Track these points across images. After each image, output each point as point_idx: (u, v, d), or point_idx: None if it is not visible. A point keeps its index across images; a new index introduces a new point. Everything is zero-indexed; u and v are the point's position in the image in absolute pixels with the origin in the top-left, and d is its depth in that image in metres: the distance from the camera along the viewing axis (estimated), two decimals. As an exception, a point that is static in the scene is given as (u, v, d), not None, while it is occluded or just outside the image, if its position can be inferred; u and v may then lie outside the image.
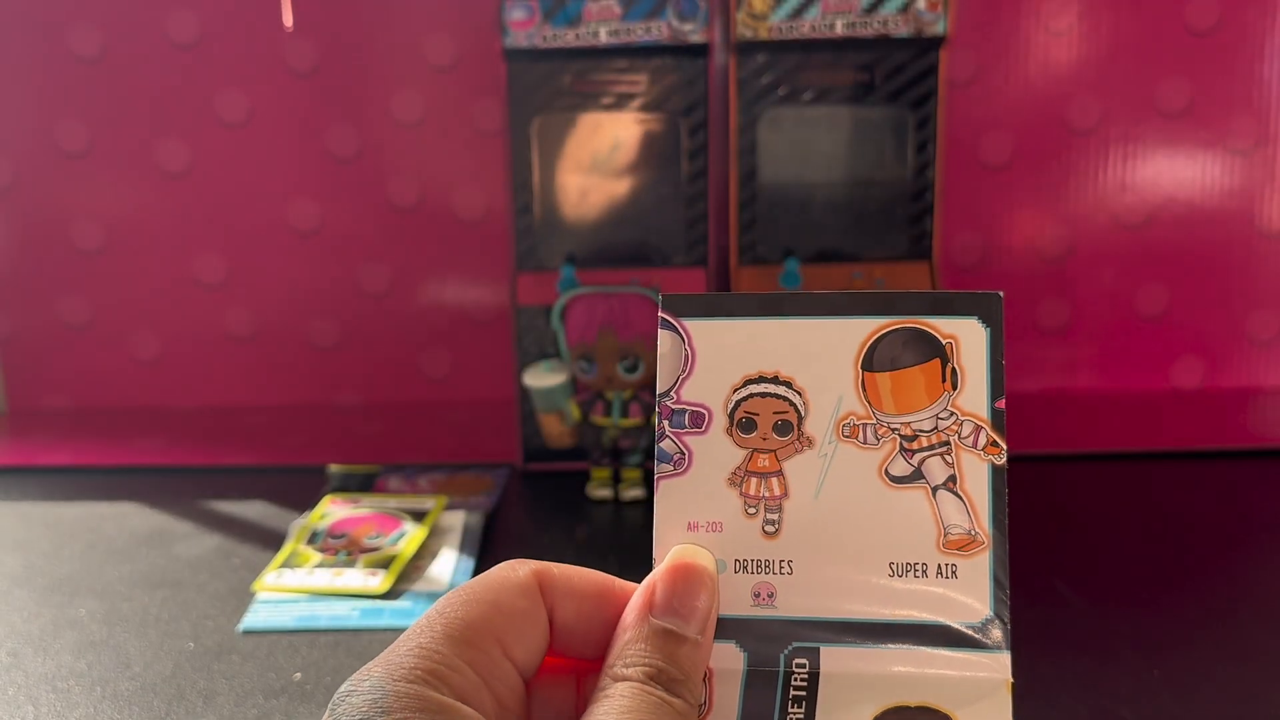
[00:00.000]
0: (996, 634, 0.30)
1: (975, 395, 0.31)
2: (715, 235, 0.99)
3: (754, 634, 0.31)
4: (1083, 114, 1.11)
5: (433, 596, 0.72)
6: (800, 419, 0.31)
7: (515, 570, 0.33)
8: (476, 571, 0.76)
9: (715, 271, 0.99)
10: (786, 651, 0.30)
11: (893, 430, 0.31)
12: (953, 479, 0.31)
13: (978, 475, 0.31)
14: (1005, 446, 0.31)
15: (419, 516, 0.83)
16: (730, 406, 0.31)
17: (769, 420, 0.31)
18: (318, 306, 1.20)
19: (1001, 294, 0.32)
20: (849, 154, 1.01)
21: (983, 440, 0.31)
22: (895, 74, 0.95)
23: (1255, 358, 1.16)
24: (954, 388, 0.31)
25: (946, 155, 0.99)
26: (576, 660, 0.33)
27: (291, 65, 1.14)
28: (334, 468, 0.93)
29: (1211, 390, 1.17)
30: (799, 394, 0.31)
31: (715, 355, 0.31)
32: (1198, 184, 1.12)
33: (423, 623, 0.30)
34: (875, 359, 0.31)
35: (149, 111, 1.15)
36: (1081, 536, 0.80)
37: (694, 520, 0.32)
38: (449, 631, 0.30)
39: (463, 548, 0.79)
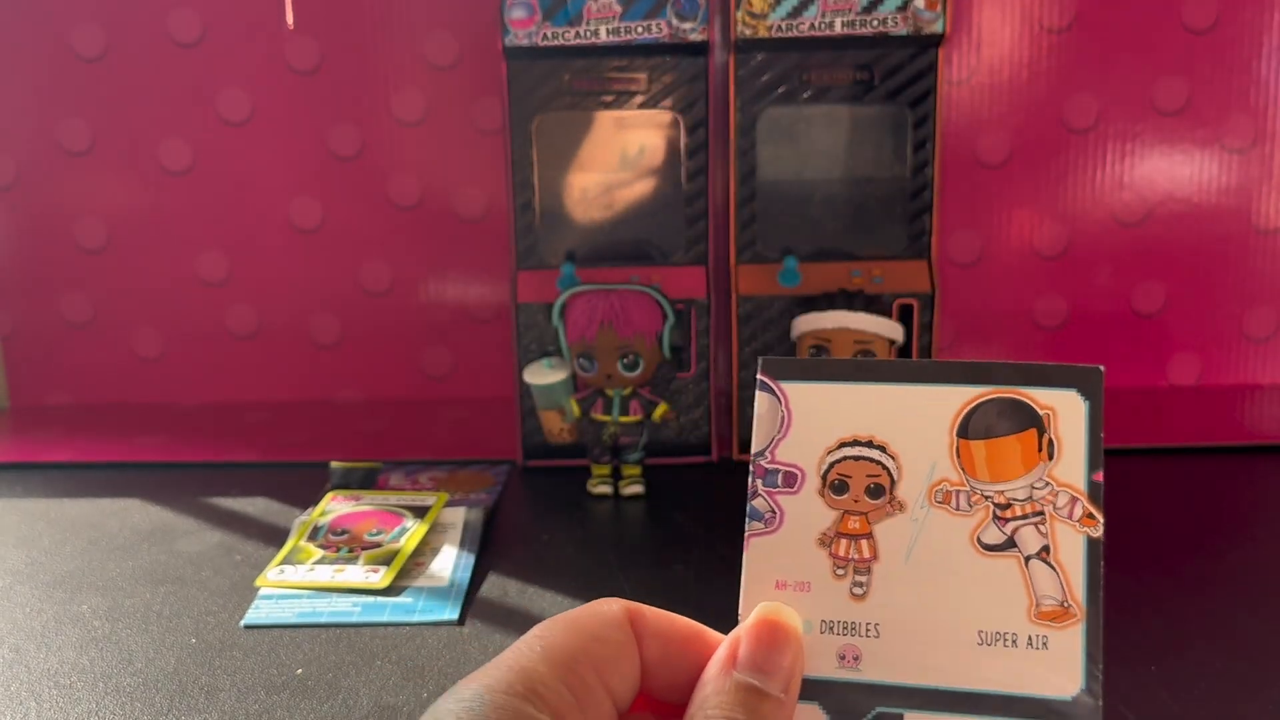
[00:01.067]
0: (1087, 711, 0.29)
1: (1072, 466, 0.31)
2: (714, 233, 0.99)
3: (838, 697, 0.31)
4: (1080, 112, 1.12)
5: (434, 592, 0.72)
6: (893, 483, 0.31)
7: (610, 605, 0.32)
8: (476, 568, 0.76)
9: (715, 269, 0.99)
10: (870, 716, 0.30)
11: (986, 498, 0.31)
12: (1046, 549, 0.30)
13: (1072, 546, 0.30)
14: (1102, 519, 0.30)
15: (420, 513, 0.84)
16: (824, 468, 0.31)
17: (862, 483, 0.31)
18: (319, 304, 1.20)
19: (1102, 369, 0.31)
20: (848, 152, 1.01)
21: (1079, 512, 0.30)
22: (894, 72, 0.96)
23: (1252, 355, 1.17)
24: (1050, 458, 0.30)
25: (945, 153, 0.99)
26: (661, 703, 0.33)
27: (293, 64, 1.14)
28: (336, 464, 0.93)
29: (1208, 387, 1.17)
30: (892, 458, 0.31)
31: (811, 417, 0.31)
32: (1195, 182, 1.13)
33: (523, 644, 0.30)
34: (970, 427, 0.31)
35: (151, 110, 1.16)
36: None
37: (782, 579, 0.32)
38: (548, 654, 0.30)
39: (463, 544, 0.80)
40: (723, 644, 0.31)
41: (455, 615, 0.69)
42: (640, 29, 0.93)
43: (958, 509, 0.31)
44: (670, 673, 0.32)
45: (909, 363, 0.31)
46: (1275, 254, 1.14)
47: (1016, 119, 1.12)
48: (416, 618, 0.69)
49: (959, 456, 0.31)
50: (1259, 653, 0.63)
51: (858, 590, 0.31)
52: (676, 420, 0.98)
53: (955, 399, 0.31)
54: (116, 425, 1.14)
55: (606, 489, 0.91)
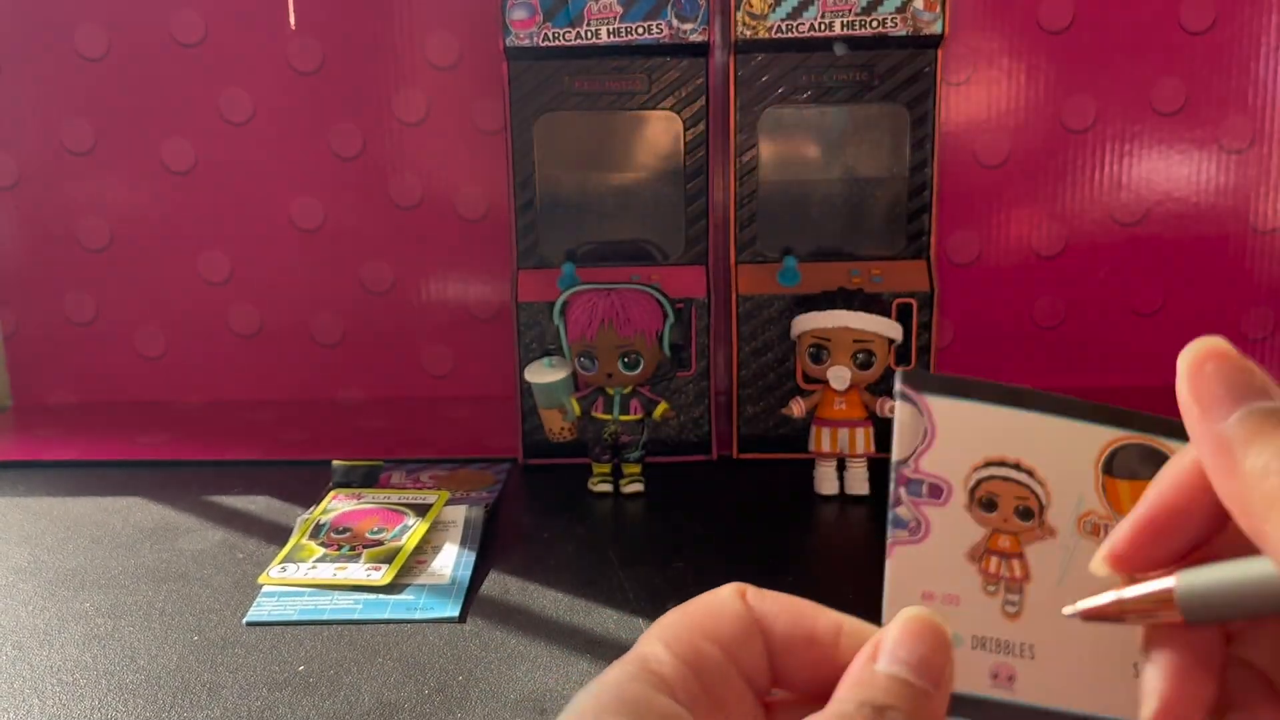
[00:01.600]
0: None
1: None
2: (714, 232, 1.00)
3: (990, 715, 0.30)
4: (1079, 113, 1.12)
5: (435, 590, 0.73)
6: (1042, 507, 0.30)
7: (721, 590, 0.32)
8: (477, 566, 0.77)
9: (715, 269, 1.00)
10: None
11: None
12: None
13: None
14: None
15: (421, 511, 0.84)
16: (971, 484, 0.31)
17: (1010, 503, 0.30)
18: (321, 303, 1.20)
19: None
20: (847, 152, 1.02)
21: None
22: (893, 73, 0.96)
23: (1250, 354, 1.17)
24: None
25: (943, 153, 0.99)
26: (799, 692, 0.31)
27: (295, 64, 1.15)
28: (337, 463, 0.94)
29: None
30: (1041, 484, 0.30)
31: (956, 433, 0.31)
32: (1193, 182, 1.13)
33: (650, 636, 0.30)
34: (1115, 466, 0.30)
35: (154, 110, 1.16)
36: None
37: (929, 590, 0.31)
38: (669, 643, 0.29)
39: (464, 542, 0.80)
40: (868, 642, 0.30)
41: (456, 612, 0.70)
42: (641, 30, 0.93)
43: None
44: (797, 658, 0.30)
45: (1055, 395, 0.31)
46: (1273, 254, 1.14)
47: (1015, 119, 1.13)
48: (418, 615, 0.69)
49: (1105, 492, 0.31)
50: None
51: (1010, 608, 0.30)
52: (677, 419, 0.98)
53: (1099, 437, 0.31)
54: (119, 424, 1.15)
55: (607, 487, 0.91)
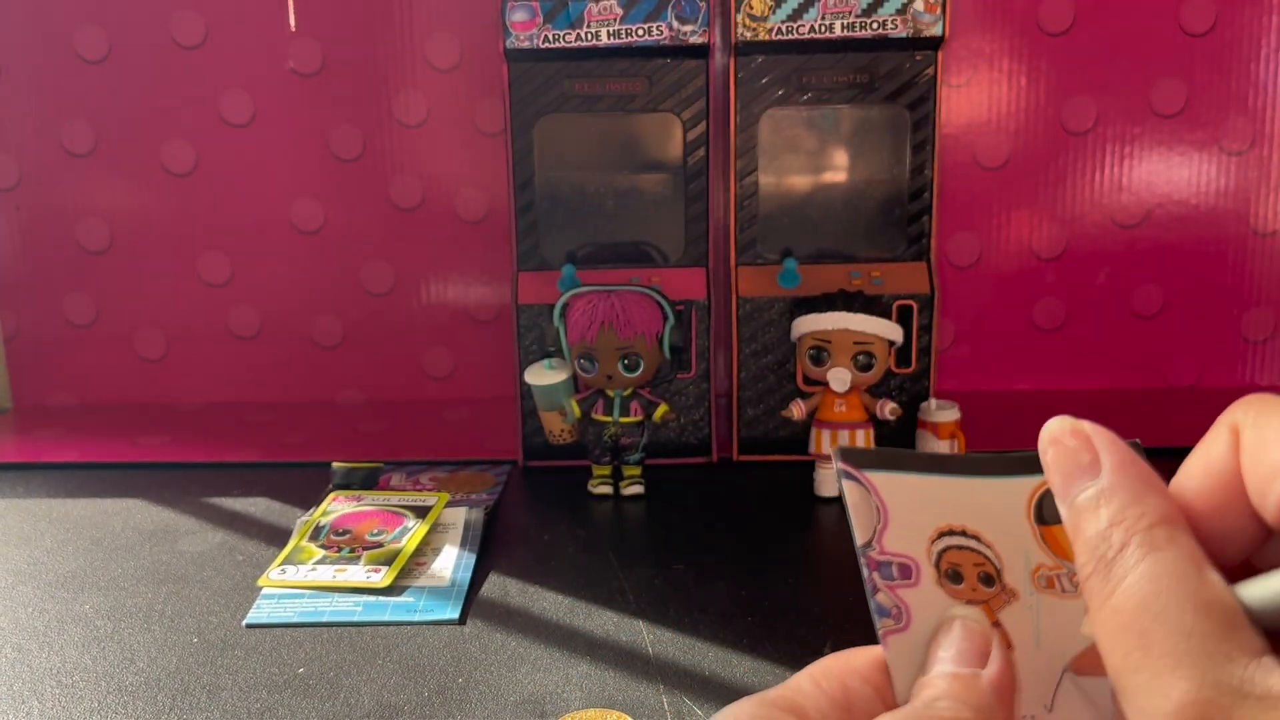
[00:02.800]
0: None
1: None
2: (714, 234, 1.00)
3: None
4: (1079, 115, 1.12)
5: (435, 592, 0.73)
6: (998, 571, 0.30)
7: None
8: (477, 568, 0.77)
9: (715, 270, 1.00)
10: None
11: None
12: None
13: None
14: None
15: (421, 513, 0.84)
16: (934, 557, 0.30)
17: (972, 572, 0.30)
18: (321, 305, 1.21)
19: (1138, 441, 0.31)
20: (847, 154, 1.02)
21: None
22: (893, 75, 0.96)
23: (1250, 356, 1.17)
24: None
25: (944, 155, 0.99)
26: None
27: (296, 66, 1.15)
28: (337, 465, 0.94)
29: (1206, 388, 1.17)
30: (989, 547, 0.30)
31: (905, 507, 0.30)
32: (1193, 184, 1.13)
33: (803, 671, 0.31)
34: (1045, 514, 0.30)
35: (154, 112, 1.16)
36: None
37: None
38: (815, 669, 0.30)
39: (464, 544, 0.80)
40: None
41: (456, 615, 0.70)
42: (641, 31, 0.93)
43: (1064, 591, 0.30)
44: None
45: (973, 457, 0.31)
46: (1273, 256, 1.14)
47: (1015, 121, 1.13)
48: (418, 617, 0.69)
49: (1045, 542, 0.31)
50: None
51: None
52: (677, 421, 0.98)
53: (1023, 489, 0.31)
54: (119, 425, 1.15)
55: (607, 489, 0.91)
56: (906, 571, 0.30)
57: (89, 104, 1.16)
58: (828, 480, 0.90)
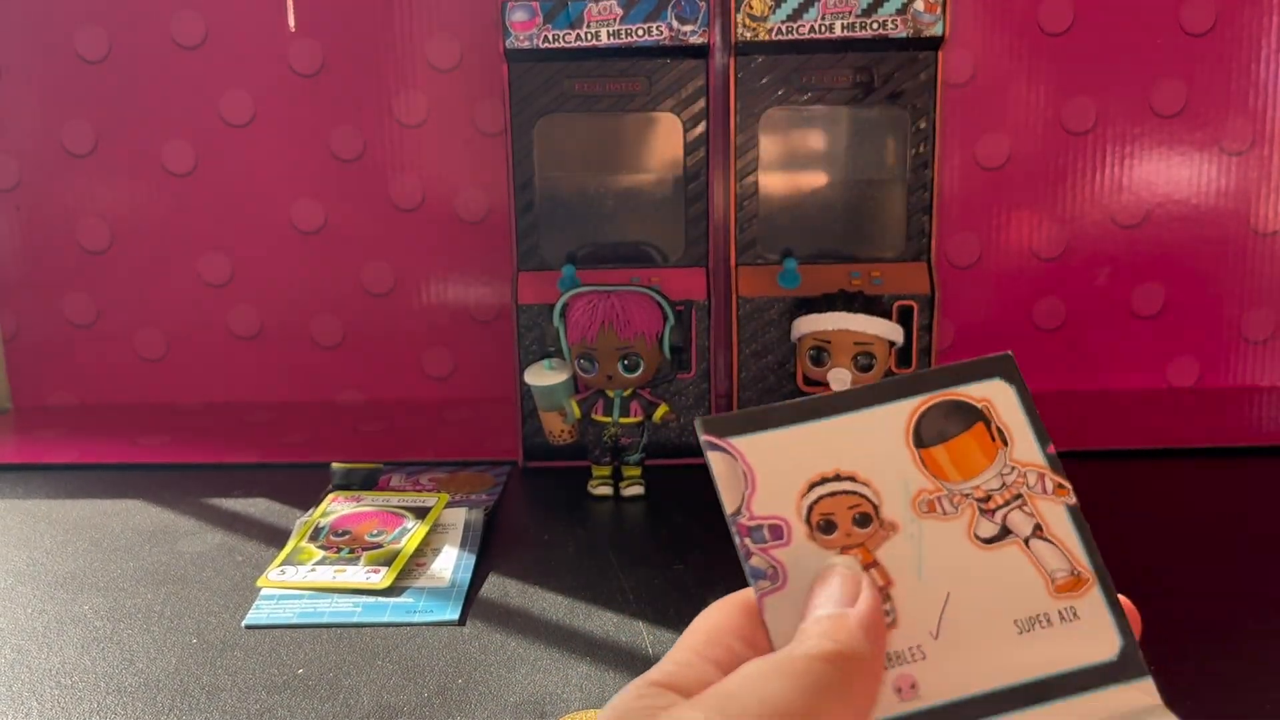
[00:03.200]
0: (1133, 662, 0.30)
1: (1026, 446, 0.32)
2: (714, 234, 1.00)
3: None
4: (1079, 115, 1.12)
5: (434, 592, 0.73)
6: (876, 507, 0.31)
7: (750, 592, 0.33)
8: (477, 568, 0.76)
9: (715, 271, 1.00)
10: None
11: (966, 496, 0.31)
12: (1038, 527, 0.31)
13: (1058, 518, 0.31)
14: (1070, 486, 0.31)
15: (421, 514, 0.84)
16: (804, 512, 0.31)
17: (846, 516, 0.31)
18: (321, 305, 1.20)
19: (1011, 353, 0.32)
20: (848, 154, 1.01)
21: (1049, 485, 0.31)
22: (893, 75, 0.96)
23: (1250, 356, 1.17)
24: (1005, 444, 0.32)
25: (944, 155, 0.99)
26: None
27: (295, 67, 1.15)
28: (337, 465, 0.94)
29: (1207, 389, 1.17)
30: (865, 485, 0.31)
31: (772, 467, 0.31)
32: (1193, 184, 1.13)
33: (684, 641, 0.31)
34: (924, 436, 0.31)
35: (154, 112, 1.16)
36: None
37: None
38: (694, 635, 0.31)
39: (464, 544, 0.80)
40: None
41: (456, 615, 0.69)
42: (641, 32, 0.93)
43: (945, 513, 0.31)
44: None
45: (844, 394, 0.32)
46: (1273, 256, 1.14)
47: (1015, 121, 1.13)
48: (417, 618, 0.69)
49: (925, 465, 0.31)
50: (1260, 654, 0.63)
51: (887, 619, 0.30)
52: (677, 421, 0.98)
53: (899, 415, 0.31)
54: (119, 426, 1.15)
55: (607, 490, 0.91)
56: (778, 532, 0.31)
57: (89, 104, 1.16)
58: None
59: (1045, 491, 0.31)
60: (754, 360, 0.98)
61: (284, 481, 0.95)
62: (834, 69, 0.96)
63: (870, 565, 0.31)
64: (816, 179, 1.01)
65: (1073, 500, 0.31)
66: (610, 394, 0.89)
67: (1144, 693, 0.30)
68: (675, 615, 0.69)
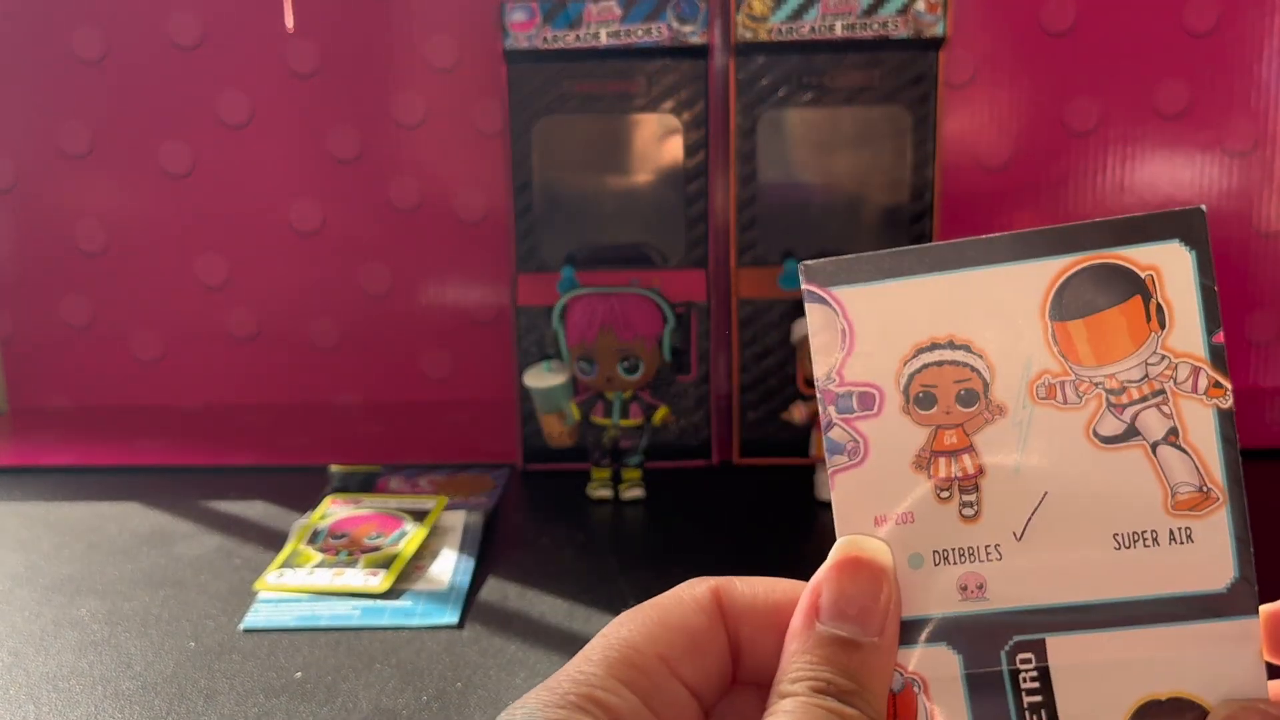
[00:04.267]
0: (1244, 599, 0.26)
1: (1188, 332, 0.27)
2: (715, 236, 0.99)
3: (967, 632, 0.27)
4: (1081, 115, 1.12)
5: (433, 596, 0.72)
6: (986, 385, 0.27)
7: (692, 588, 0.30)
8: (476, 571, 0.76)
9: (715, 272, 0.99)
10: (1008, 648, 0.27)
11: (1096, 385, 0.27)
12: (1174, 431, 0.27)
13: (1202, 423, 0.27)
14: (1230, 386, 0.27)
15: (420, 516, 0.84)
16: (904, 381, 0.27)
17: (950, 391, 0.27)
18: (319, 307, 1.20)
19: (1204, 208, 0.27)
20: (848, 155, 1.01)
21: (1203, 383, 0.27)
22: (894, 75, 0.96)
23: (1254, 359, 1.17)
24: (1161, 327, 0.27)
25: (945, 156, 0.99)
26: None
27: (293, 67, 1.14)
28: (335, 468, 0.93)
29: (1210, 391, 1.17)
30: (980, 356, 0.27)
31: (876, 325, 0.27)
32: (1196, 185, 1.13)
33: (586, 647, 0.28)
34: (1064, 306, 0.27)
35: (151, 113, 1.16)
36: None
37: (880, 514, 0.28)
38: (608, 654, 0.28)
39: (463, 547, 0.80)
40: (803, 593, 0.28)
41: (455, 619, 0.69)
42: (640, 32, 0.93)
43: (1065, 403, 0.27)
44: (765, 650, 0.29)
45: (978, 241, 0.27)
46: (1277, 257, 1.14)
47: (1017, 122, 1.12)
48: (416, 621, 0.69)
49: (1057, 342, 0.27)
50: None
51: (968, 511, 0.27)
52: (677, 423, 0.98)
53: (1040, 277, 0.27)
54: (116, 428, 1.14)
55: (606, 492, 0.91)
56: (868, 401, 0.28)
57: (85, 105, 1.16)
58: (828, 484, 0.89)
59: (1195, 390, 0.27)
60: (754, 362, 0.98)
61: (282, 484, 0.95)
62: (835, 69, 0.96)
63: (965, 450, 0.27)
64: (817, 180, 1.01)
65: (1228, 403, 0.27)
66: (610, 396, 0.89)
67: (1246, 636, 0.26)
68: (676, 619, 0.68)
